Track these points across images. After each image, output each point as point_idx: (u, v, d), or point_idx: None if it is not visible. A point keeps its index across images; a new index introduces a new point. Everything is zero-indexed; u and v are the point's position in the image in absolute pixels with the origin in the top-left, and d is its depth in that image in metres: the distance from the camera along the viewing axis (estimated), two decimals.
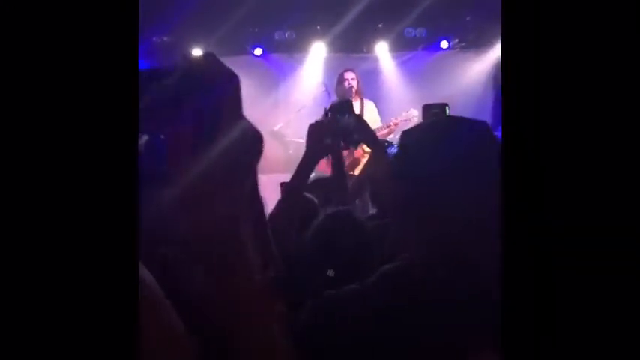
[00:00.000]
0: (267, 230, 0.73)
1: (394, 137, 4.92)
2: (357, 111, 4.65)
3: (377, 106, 5.10)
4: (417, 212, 0.83)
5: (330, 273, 0.85)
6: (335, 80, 5.03)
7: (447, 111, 1.53)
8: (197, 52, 6.25)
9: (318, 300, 0.86)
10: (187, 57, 0.56)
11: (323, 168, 4.72)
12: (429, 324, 0.79)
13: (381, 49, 6.48)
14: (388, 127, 4.67)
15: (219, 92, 0.46)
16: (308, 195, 1.93)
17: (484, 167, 0.80)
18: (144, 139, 0.47)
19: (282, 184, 2.60)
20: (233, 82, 0.48)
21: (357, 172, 4.10)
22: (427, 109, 1.58)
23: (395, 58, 6.62)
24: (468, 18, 6.19)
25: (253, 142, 0.48)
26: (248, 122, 0.48)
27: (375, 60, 6.58)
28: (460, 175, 0.79)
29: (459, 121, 0.91)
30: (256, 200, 0.52)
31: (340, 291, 0.86)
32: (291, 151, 5.54)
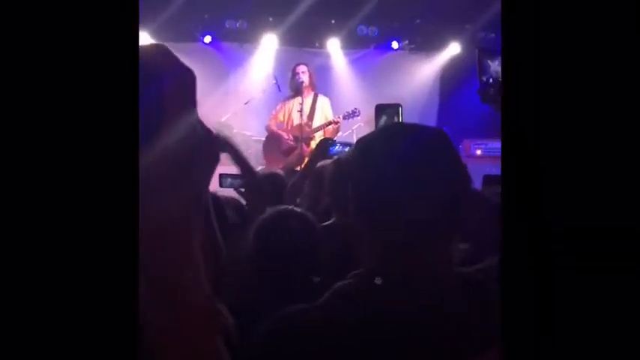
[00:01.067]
0: (215, 232, 0.70)
1: (342, 135, 4.96)
2: (306, 106, 4.66)
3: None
4: (371, 221, 0.82)
5: (316, 280, 0.83)
6: (287, 75, 4.99)
7: (400, 112, 1.53)
8: (144, 37, 6.04)
9: (269, 322, 0.83)
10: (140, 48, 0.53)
11: (271, 162, 4.70)
12: (385, 341, 0.78)
13: (333, 45, 6.50)
14: (330, 123, 4.69)
15: (172, 89, 0.43)
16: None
17: (441, 175, 0.81)
18: None
19: (221, 175, 2.56)
20: (188, 78, 0.44)
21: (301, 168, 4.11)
22: (380, 109, 1.57)
23: (347, 55, 6.66)
24: (417, 21, 6.31)
25: (210, 149, 0.45)
26: (203, 124, 0.44)
27: (327, 56, 6.60)
28: (417, 183, 0.78)
29: (417, 129, 0.90)
30: (204, 203, 0.49)
31: (291, 311, 0.84)
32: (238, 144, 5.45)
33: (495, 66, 1.36)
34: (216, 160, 0.46)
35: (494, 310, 0.58)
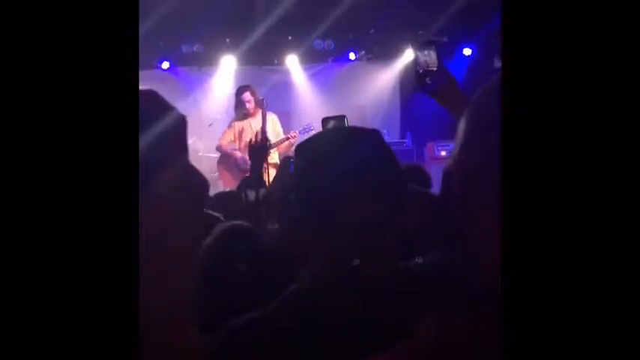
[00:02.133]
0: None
1: None
2: (258, 125, 4.66)
3: (288, 117, 5.14)
4: (312, 225, 0.83)
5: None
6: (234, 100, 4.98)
7: (346, 122, 1.55)
8: None
9: (220, 331, 0.83)
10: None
11: (228, 182, 4.68)
12: (335, 343, 0.78)
13: (292, 61, 6.56)
14: (287, 139, 4.71)
15: (164, 133, 0.44)
16: (212, 212, 1.89)
17: (377, 175, 0.82)
18: None
19: None
20: (179, 122, 0.45)
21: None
22: (326, 121, 1.59)
23: (306, 69, 6.73)
24: (371, 31, 6.43)
25: (199, 187, 0.46)
26: (193, 167, 0.46)
27: (286, 72, 6.65)
28: (353, 183, 0.80)
29: (351, 130, 0.92)
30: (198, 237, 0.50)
31: (242, 320, 0.84)
32: (204, 166, 5.42)
33: (425, 56, 1.40)
34: (205, 197, 0.48)
35: (441, 304, 0.59)
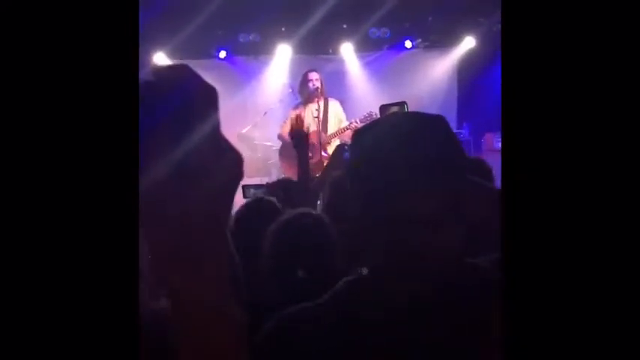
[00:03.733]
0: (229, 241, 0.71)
1: None
2: (321, 112, 4.66)
3: (343, 106, 5.10)
4: (373, 216, 0.78)
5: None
6: (299, 81, 5.01)
7: (406, 109, 1.50)
8: (161, 56, 6.16)
9: (272, 322, 0.83)
10: (158, 67, 0.52)
11: (290, 172, 4.72)
12: (393, 339, 0.76)
13: (347, 50, 6.52)
14: (347, 128, 4.68)
15: (196, 108, 0.43)
16: (269, 197, 1.92)
17: (443, 163, 0.76)
18: None
19: (244, 186, 2.57)
20: (211, 97, 0.44)
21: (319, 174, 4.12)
22: (385, 109, 1.55)
23: (360, 58, 6.67)
24: (430, 18, 6.29)
25: (233, 164, 0.46)
26: (228, 142, 0.45)
27: (341, 61, 6.61)
28: (415, 170, 0.74)
29: (413, 116, 0.86)
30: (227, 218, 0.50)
31: (293, 310, 0.83)
32: (259, 154, 5.50)
33: None
34: (240, 175, 0.47)
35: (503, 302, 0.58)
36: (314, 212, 1.58)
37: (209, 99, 0.44)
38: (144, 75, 0.45)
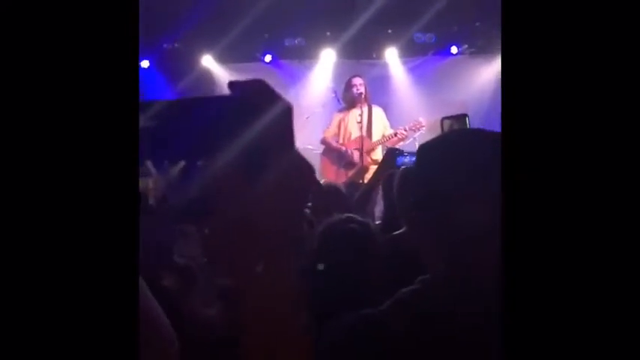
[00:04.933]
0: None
1: (403, 144, 4.91)
2: (365, 118, 4.65)
3: (386, 111, 5.08)
4: (436, 229, 0.81)
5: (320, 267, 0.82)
6: (343, 87, 5.02)
7: (467, 122, 1.50)
8: (208, 59, 6.30)
9: (333, 327, 0.84)
10: (236, 84, 0.55)
11: (332, 176, 4.73)
12: (450, 354, 0.77)
13: (391, 55, 6.49)
14: (396, 134, 4.65)
15: (272, 122, 0.45)
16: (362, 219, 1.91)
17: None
18: (180, 164, 0.46)
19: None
20: (286, 111, 0.46)
21: (364, 180, 4.09)
22: (446, 121, 1.55)
23: (405, 63, 6.62)
24: (477, 24, 6.18)
25: (304, 174, 0.47)
26: (299, 154, 0.47)
27: (385, 65, 6.58)
28: (479, 190, 0.77)
29: (477, 134, 0.89)
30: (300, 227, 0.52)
31: (359, 315, 0.84)
32: None
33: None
34: (310, 186, 0.49)
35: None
36: (359, 217, 1.58)
37: (283, 113, 0.46)
38: (217, 88, 0.46)
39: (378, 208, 2.45)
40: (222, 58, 6.41)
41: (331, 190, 2.52)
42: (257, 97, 0.45)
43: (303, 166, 0.47)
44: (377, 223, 2.38)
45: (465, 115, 1.52)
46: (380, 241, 1.49)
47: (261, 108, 0.45)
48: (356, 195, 2.46)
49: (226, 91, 0.46)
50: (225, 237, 0.45)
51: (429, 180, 0.84)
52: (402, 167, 2.36)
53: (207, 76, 6.44)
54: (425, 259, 0.86)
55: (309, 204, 1.99)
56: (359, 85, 4.72)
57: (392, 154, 2.67)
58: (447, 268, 0.82)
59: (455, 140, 0.91)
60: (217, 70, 6.50)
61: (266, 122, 0.45)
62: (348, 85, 4.80)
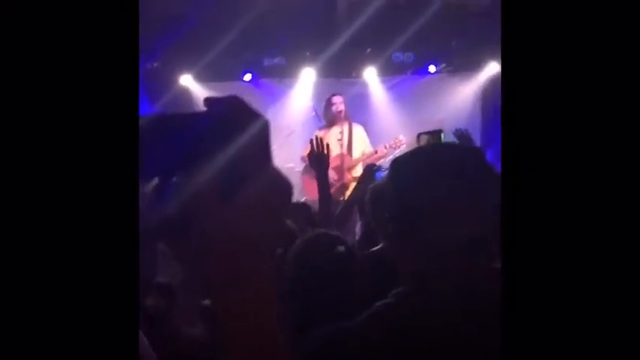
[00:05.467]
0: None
1: (384, 162, 4.95)
2: (345, 136, 4.68)
3: (366, 129, 5.12)
4: (412, 242, 0.81)
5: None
6: (323, 105, 5.05)
7: (443, 137, 1.53)
8: (187, 78, 6.30)
9: (307, 339, 0.84)
10: (212, 100, 0.54)
11: (313, 194, 4.73)
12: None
13: (370, 74, 6.57)
14: (376, 152, 4.68)
15: (249, 138, 0.44)
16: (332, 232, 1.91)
17: (478, 194, 0.79)
18: (154, 182, 0.45)
19: None
20: (263, 128, 0.46)
21: (345, 197, 4.10)
22: (422, 136, 1.58)
23: (384, 82, 6.71)
24: (454, 43, 6.31)
25: (282, 191, 0.47)
26: (277, 170, 0.46)
27: (364, 84, 6.66)
28: (454, 202, 0.78)
29: (451, 148, 0.90)
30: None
31: (333, 328, 0.84)
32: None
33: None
34: (288, 202, 0.48)
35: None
36: (333, 233, 1.58)
37: (261, 130, 0.45)
38: (195, 106, 0.46)
39: (359, 225, 2.45)
40: (201, 77, 6.41)
41: (312, 207, 2.52)
42: (233, 113, 0.45)
43: (281, 183, 0.46)
44: (356, 238, 2.38)
45: (440, 131, 1.56)
46: (357, 256, 1.49)
47: (237, 124, 0.44)
48: (336, 212, 2.45)
49: (203, 108, 0.45)
50: (201, 256, 0.44)
51: (402, 193, 0.84)
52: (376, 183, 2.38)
53: (185, 95, 6.43)
54: (400, 273, 0.86)
55: (289, 221, 1.97)
56: (339, 103, 4.75)
57: (370, 170, 2.69)
58: (420, 280, 0.82)
59: (428, 154, 0.91)
60: (196, 89, 6.49)
61: (243, 139, 0.44)
62: (328, 104, 4.83)
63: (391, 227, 0.84)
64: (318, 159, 2.46)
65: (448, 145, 0.89)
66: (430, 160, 0.84)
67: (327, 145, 2.52)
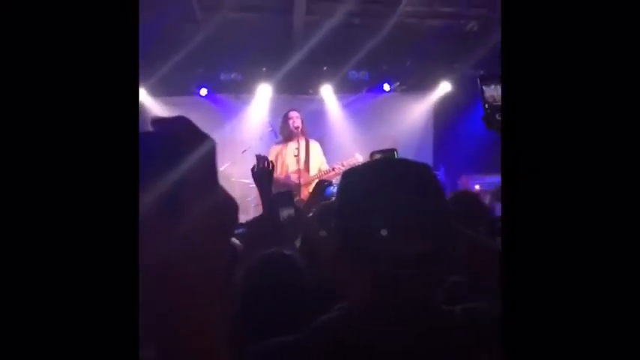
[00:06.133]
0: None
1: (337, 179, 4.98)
2: (302, 152, 4.69)
3: (322, 145, 5.16)
4: (352, 254, 0.80)
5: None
6: (279, 121, 5.06)
7: (396, 156, 1.54)
8: (141, 92, 6.18)
9: (246, 354, 0.82)
10: (160, 120, 0.54)
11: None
12: None
13: (326, 91, 6.64)
14: (333, 169, 4.71)
15: (194, 159, 0.44)
16: (287, 252, 1.90)
17: (425, 206, 0.80)
18: None
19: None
20: (209, 148, 0.46)
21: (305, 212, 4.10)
22: (376, 155, 1.59)
23: (340, 99, 6.80)
24: (408, 63, 6.48)
25: (228, 211, 0.47)
26: (224, 190, 0.47)
27: (321, 101, 6.73)
28: (399, 215, 0.78)
29: (399, 162, 0.90)
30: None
31: (272, 343, 0.83)
32: (237, 192, 5.48)
33: (491, 90, 1.36)
34: (234, 221, 0.48)
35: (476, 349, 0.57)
36: (286, 251, 1.57)
37: (207, 149, 0.45)
38: (148, 121, 0.46)
39: (308, 238, 2.45)
40: (156, 91, 6.30)
41: (266, 221, 2.50)
42: (180, 133, 0.45)
43: (227, 203, 0.46)
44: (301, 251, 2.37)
45: (393, 150, 1.57)
46: (304, 272, 1.49)
47: (184, 145, 0.44)
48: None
49: (149, 123, 0.45)
50: (146, 275, 0.43)
51: (349, 205, 0.83)
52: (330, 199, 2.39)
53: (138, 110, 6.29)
54: (346, 287, 0.85)
55: (234, 239, 1.96)
56: (296, 118, 4.76)
57: (321, 185, 2.71)
58: (366, 294, 0.81)
59: (377, 167, 0.91)
60: (150, 103, 6.37)
61: (190, 159, 0.44)
62: (285, 119, 4.83)
63: (335, 239, 0.83)
64: (259, 174, 2.45)
65: (398, 161, 0.89)
66: (379, 173, 0.85)
67: (271, 162, 2.52)
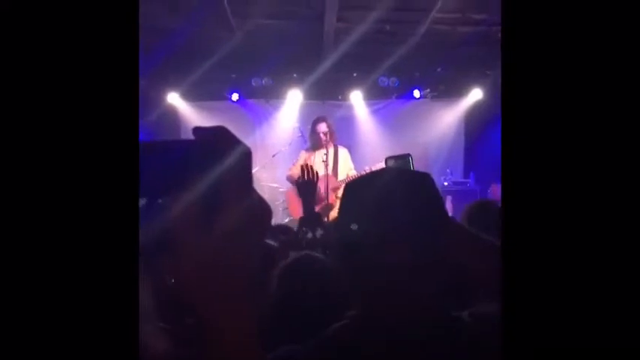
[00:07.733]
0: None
1: None
2: (330, 158, 4.71)
3: (351, 151, 5.16)
4: (353, 263, 0.82)
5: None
6: (309, 128, 5.09)
7: (411, 161, 1.53)
8: (174, 97, 6.30)
9: None
10: (200, 129, 0.58)
11: (295, 212, 4.72)
12: None
13: (356, 97, 6.65)
14: (361, 176, 4.69)
15: (231, 165, 0.47)
16: (268, 240, 1.92)
17: (427, 217, 0.81)
18: (141, 202, 0.47)
19: None
20: (245, 156, 0.48)
21: (329, 217, 4.11)
22: (390, 160, 1.58)
23: (369, 105, 6.79)
24: (439, 69, 6.43)
25: (262, 216, 0.49)
26: (258, 195, 0.49)
27: (350, 107, 6.73)
28: (396, 226, 0.79)
29: (401, 172, 0.90)
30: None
31: (281, 352, 0.84)
32: (266, 196, 5.52)
33: None
34: (267, 225, 0.51)
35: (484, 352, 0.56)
36: (316, 255, 1.59)
37: (243, 157, 0.48)
38: (182, 124, 0.48)
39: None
40: (189, 96, 6.43)
41: (287, 229, 2.53)
42: (219, 142, 0.47)
43: (262, 208, 0.49)
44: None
45: (407, 155, 1.55)
46: (335, 277, 1.49)
47: (222, 152, 0.47)
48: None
49: (190, 131, 0.48)
50: (182, 277, 0.45)
51: (349, 217, 0.85)
52: None
53: (172, 114, 6.43)
54: (353, 295, 0.86)
55: (272, 242, 1.98)
56: (323, 132, 4.79)
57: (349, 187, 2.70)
58: (369, 303, 0.83)
59: (376, 178, 0.92)
60: (183, 107, 6.50)
61: (226, 166, 0.47)
62: (314, 127, 4.87)
63: (337, 248, 0.85)
64: (305, 186, 2.51)
65: (399, 170, 0.88)
66: (378, 184, 0.86)
67: (317, 173, 2.57)
